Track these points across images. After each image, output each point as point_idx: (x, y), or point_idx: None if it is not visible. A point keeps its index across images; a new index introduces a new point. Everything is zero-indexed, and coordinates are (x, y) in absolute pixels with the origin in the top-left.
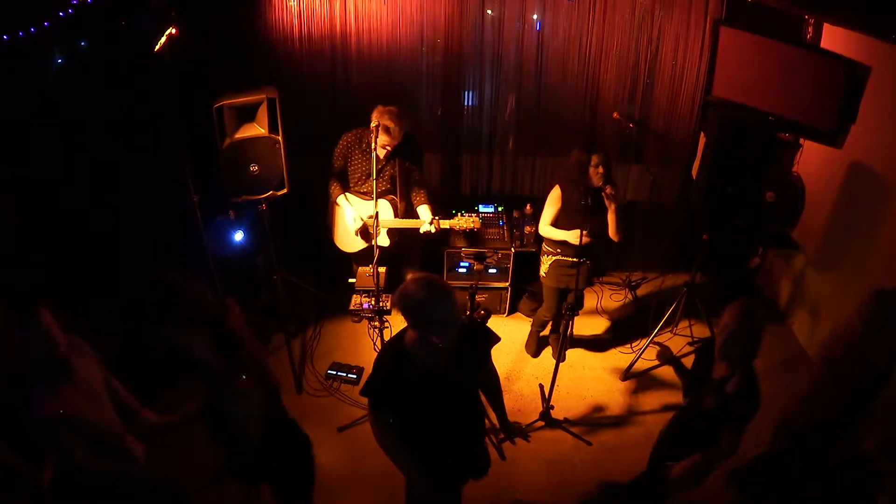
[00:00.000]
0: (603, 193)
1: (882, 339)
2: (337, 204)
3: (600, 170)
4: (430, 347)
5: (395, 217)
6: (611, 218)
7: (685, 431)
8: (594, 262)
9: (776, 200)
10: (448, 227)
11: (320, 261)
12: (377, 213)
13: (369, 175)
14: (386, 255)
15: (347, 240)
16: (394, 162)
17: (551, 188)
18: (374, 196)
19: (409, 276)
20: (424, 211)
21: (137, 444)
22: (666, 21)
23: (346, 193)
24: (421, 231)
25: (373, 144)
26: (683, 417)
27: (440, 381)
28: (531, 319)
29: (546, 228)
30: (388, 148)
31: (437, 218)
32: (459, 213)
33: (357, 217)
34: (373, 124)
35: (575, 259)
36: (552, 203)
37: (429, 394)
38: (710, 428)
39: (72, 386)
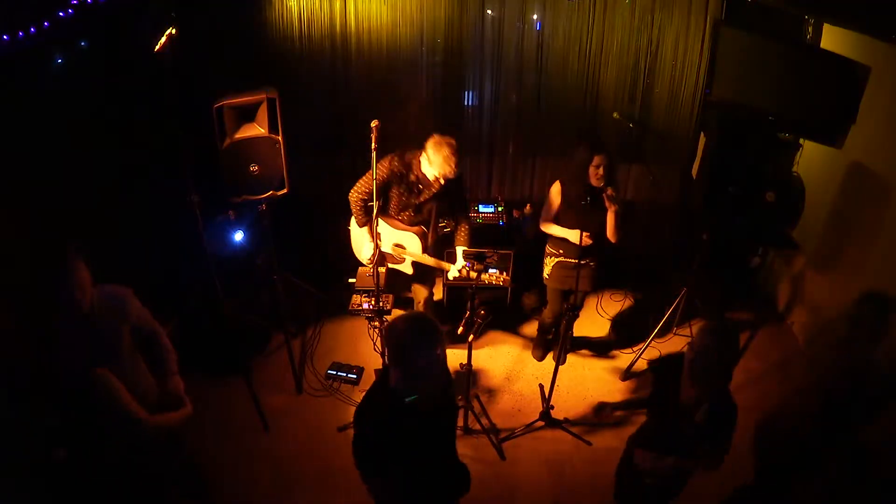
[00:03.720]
0: (603, 195)
1: (861, 334)
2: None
3: (600, 171)
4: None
5: (423, 251)
6: (610, 219)
7: (656, 446)
8: (598, 264)
9: (776, 200)
10: (476, 278)
11: (320, 261)
12: (376, 231)
13: (407, 207)
14: (405, 276)
15: (363, 256)
16: (439, 199)
17: (553, 183)
18: (375, 209)
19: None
20: (460, 254)
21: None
22: (666, 21)
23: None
24: (449, 277)
25: (373, 144)
26: (650, 436)
27: (430, 420)
28: (534, 318)
29: (547, 224)
30: (442, 181)
31: (467, 268)
32: (489, 270)
33: (374, 251)
34: (373, 123)
35: (577, 260)
36: (553, 198)
37: (420, 435)
38: (683, 445)
39: (87, 337)
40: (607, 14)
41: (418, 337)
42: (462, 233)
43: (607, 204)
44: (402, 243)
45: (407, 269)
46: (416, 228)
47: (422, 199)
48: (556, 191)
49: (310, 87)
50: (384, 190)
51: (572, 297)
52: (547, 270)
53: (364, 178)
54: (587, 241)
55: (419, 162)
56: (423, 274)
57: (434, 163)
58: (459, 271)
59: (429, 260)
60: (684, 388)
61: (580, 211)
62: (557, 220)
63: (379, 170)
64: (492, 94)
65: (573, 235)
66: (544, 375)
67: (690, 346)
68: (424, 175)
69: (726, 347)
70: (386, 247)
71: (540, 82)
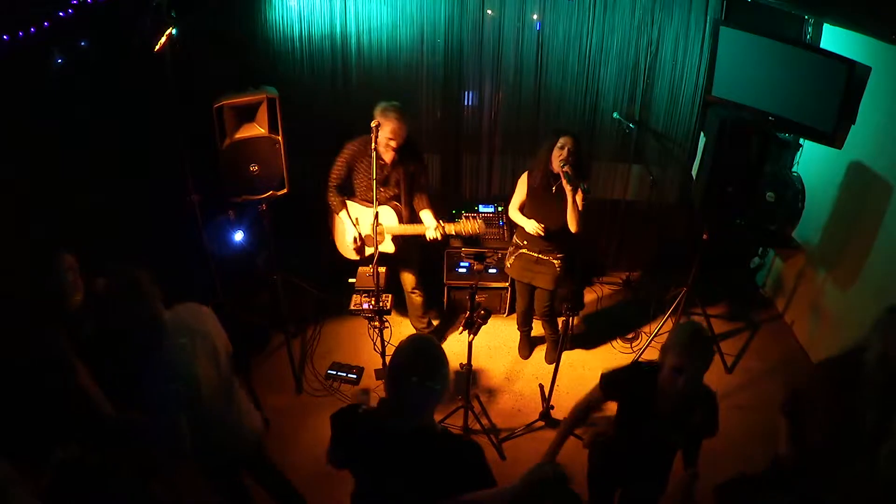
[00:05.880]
0: (560, 171)
1: (873, 341)
2: (338, 216)
3: (563, 152)
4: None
5: (400, 221)
6: (568, 203)
7: (628, 461)
8: (565, 260)
9: (776, 200)
10: (453, 231)
11: (320, 260)
12: (376, 214)
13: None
14: (388, 259)
15: (349, 249)
16: (399, 168)
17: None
18: (375, 202)
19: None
20: (428, 217)
21: None
22: (666, 21)
23: (349, 202)
24: (427, 238)
25: (372, 144)
26: (621, 449)
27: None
28: (535, 318)
29: (512, 212)
30: (394, 145)
31: (441, 223)
32: (463, 217)
33: (357, 236)
34: (373, 123)
35: (539, 255)
36: (519, 187)
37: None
38: (654, 456)
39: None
40: (607, 14)
41: (413, 358)
42: (422, 201)
43: (564, 184)
44: (379, 220)
45: (388, 247)
46: (391, 204)
47: (385, 173)
48: (522, 180)
49: (310, 87)
50: (350, 175)
51: (536, 292)
52: (510, 260)
53: (333, 168)
54: (539, 230)
55: (371, 139)
56: (406, 253)
57: (385, 127)
58: (436, 229)
59: (407, 228)
60: (661, 401)
61: (539, 199)
62: (523, 211)
63: (342, 156)
64: (492, 94)
65: (530, 226)
66: (544, 375)
67: (664, 347)
68: (377, 148)
69: (703, 346)
70: (365, 229)
71: (540, 82)
